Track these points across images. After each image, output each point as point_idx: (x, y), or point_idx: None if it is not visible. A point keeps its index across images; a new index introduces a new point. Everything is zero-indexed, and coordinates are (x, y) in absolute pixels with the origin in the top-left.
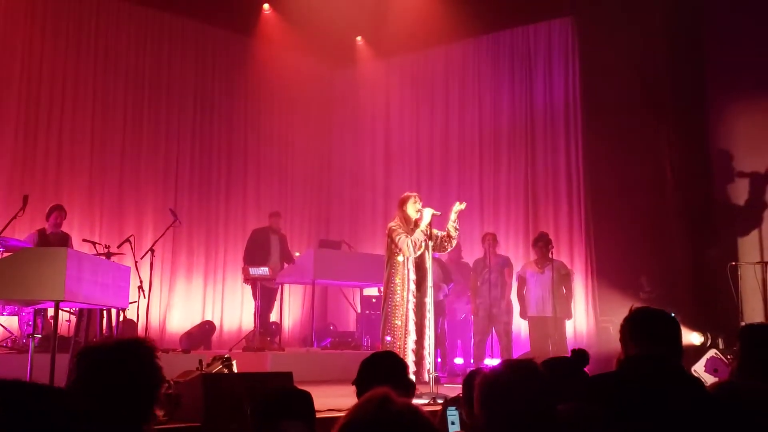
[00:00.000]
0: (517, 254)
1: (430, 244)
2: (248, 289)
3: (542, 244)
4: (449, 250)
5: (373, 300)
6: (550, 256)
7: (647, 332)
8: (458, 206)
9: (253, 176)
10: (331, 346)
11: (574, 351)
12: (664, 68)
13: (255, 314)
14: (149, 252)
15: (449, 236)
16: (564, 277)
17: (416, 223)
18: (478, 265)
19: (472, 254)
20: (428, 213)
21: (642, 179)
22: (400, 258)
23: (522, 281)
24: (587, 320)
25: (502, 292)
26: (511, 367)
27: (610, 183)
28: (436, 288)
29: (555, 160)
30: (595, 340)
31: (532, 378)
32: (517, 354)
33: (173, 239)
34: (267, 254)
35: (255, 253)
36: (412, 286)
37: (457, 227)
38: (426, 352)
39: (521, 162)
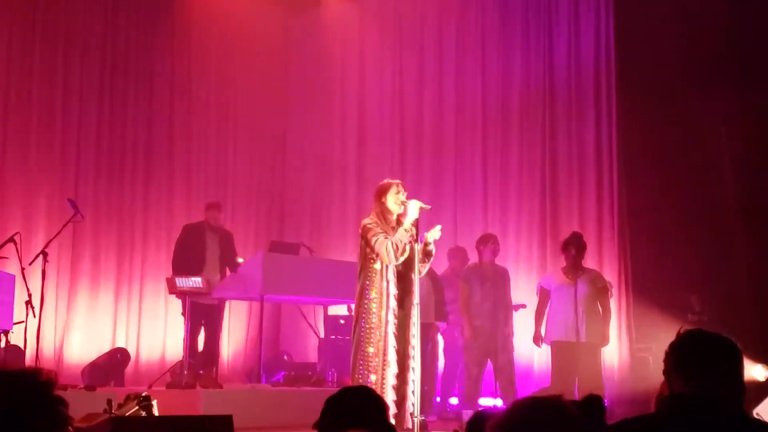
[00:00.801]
0: (530, 259)
1: (417, 247)
2: (176, 305)
3: (575, 249)
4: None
5: (342, 321)
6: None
7: (699, 364)
8: (434, 232)
9: (182, 156)
10: (285, 381)
11: (586, 399)
12: (727, 26)
13: (184, 340)
14: (40, 256)
15: (425, 255)
16: (600, 292)
17: (399, 221)
18: (471, 273)
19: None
20: (414, 206)
21: (693, 168)
22: (377, 266)
23: (545, 296)
24: (620, 348)
25: (506, 314)
26: (536, 407)
27: (651, 172)
28: (425, 305)
29: (580, 140)
30: (629, 375)
31: (565, 421)
32: (529, 391)
33: (73, 239)
34: (201, 259)
35: (185, 258)
36: (393, 303)
37: (431, 250)
38: (410, 390)
39: (536, 141)
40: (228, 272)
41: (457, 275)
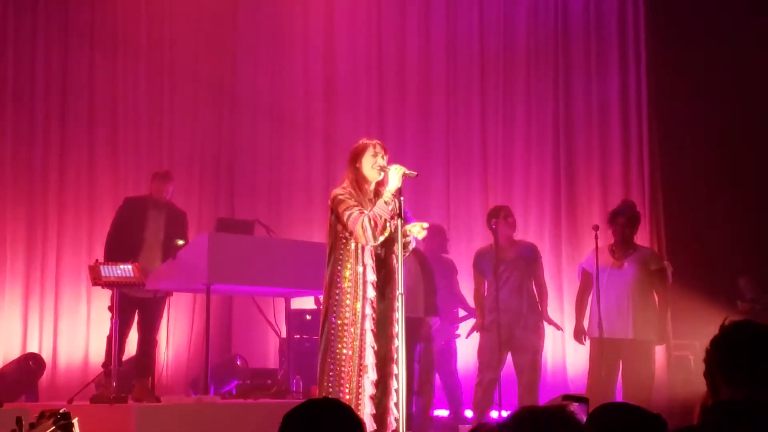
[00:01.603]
0: (541, 241)
1: (399, 223)
2: (102, 300)
3: (625, 221)
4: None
5: (308, 317)
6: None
7: (750, 364)
8: (420, 228)
9: (105, 114)
10: (239, 392)
11: (648, 417)
12: None
13: (112, 342)
14: None
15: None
16: (656, 276)
17: (378, 190)
18: (484, 258)
19: (468, 242)
20: (397, 172)
21: (743, 123)
22: (350, 246)
23: (587, 281)
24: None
25: (530, 303)
26: (537, 418)
27: (690, 129)
28: (411, 296)
29: (602, 90)
30: (666, 378)
31: None
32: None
33: None
34: (138, 242)
35: (120, 240)
36: (371, 293)
37: (408, 242)
38: (392, 402)
39: (547, 93)
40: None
41: (435, 261)
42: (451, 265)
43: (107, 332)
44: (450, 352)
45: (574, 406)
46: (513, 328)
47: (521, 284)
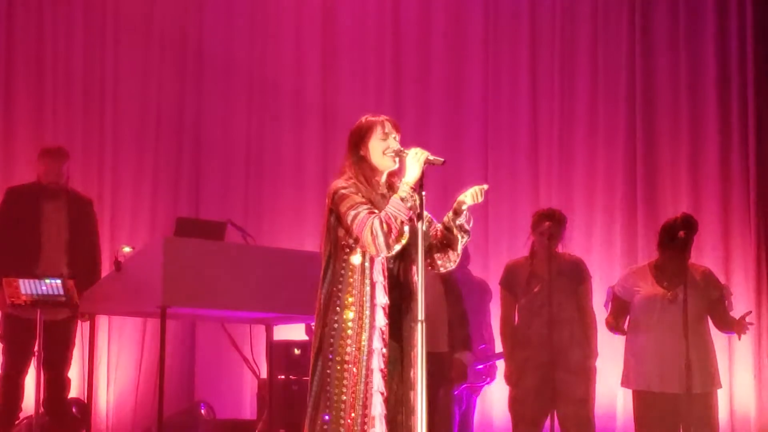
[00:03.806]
0: (610, 250)
1: (421, 226)
2: None
3: (683, 231)
4: (438, 269)
5: (296, 351)
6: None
7: None
8: (476, 192)
9: (26, 76)
10: None
11: None
12: None
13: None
14: None
15: (447, 241)
16: (714, 306)
17: (391, 183)
18: (516, 274)
19: (513, 255)
20: (417, 158)
21: None
22: (355, 258)
23: (621, 307)
24: (758, 390)
25: (573, 336)
26: None
27: None
28: (431, 324)
29: (693, 57)
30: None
31: None
32: None
33: None
34: (35, 245)
35: (7, 247)
36: (382, 320)
37: (467, 229)
38: None
39: (619, 59)
40: (97, 268)
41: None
42: (478, 287)
43: None
44: (466, 404)
45: None
46: (550, 369)
47: (559, 308)
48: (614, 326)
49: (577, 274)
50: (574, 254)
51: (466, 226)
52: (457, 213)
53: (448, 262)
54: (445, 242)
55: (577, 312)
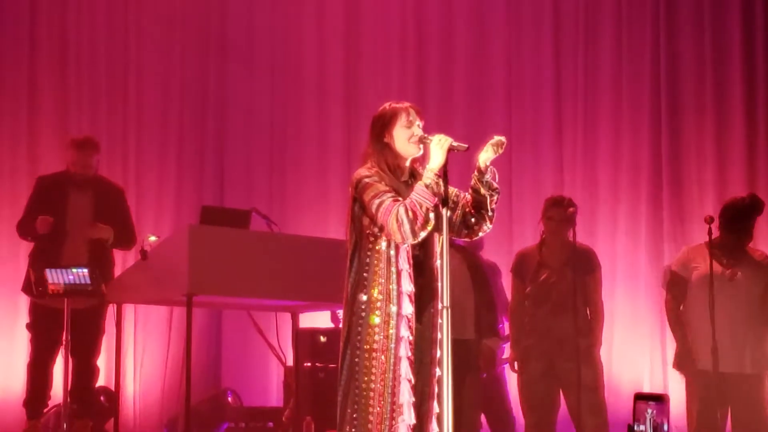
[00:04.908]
0: (636, 236)
1: (446, 214)
2: (14, 316)
3: (746, 212)
4: (477, 234)
5: (322, 339)
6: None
7: None
8: (496, 143)
9: (47, 60)
10: None
11: None
12: None
13: (32, 370)
14: None
15: (478, 204)
16: None
17: (414, 171)
18: (525, 261)
19: (536, 240)
20: (441, 145)
21: None
22: (381, 246)
23: (680, 287)
24: None
25: (578, 325)
26: None
27: None
28: (457, 310)
29: (720, 35)
30: None
31: None
32: None
33: None
34: (62, 236)
35: (32, 234)
36: (408, 308)
37: (496, 186)
38: None
39: (644, 37)
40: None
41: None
42: (490, 269)
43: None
44: (498, 383)
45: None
46: (553, 357)
47: (565, 296)
48: (673, 308)
49: (586, 264)
50: (584, 243)
51: (494, 184)
52: (482, 172)
53: (484, 225)
54: (477, 206)
55: (583, 301)
